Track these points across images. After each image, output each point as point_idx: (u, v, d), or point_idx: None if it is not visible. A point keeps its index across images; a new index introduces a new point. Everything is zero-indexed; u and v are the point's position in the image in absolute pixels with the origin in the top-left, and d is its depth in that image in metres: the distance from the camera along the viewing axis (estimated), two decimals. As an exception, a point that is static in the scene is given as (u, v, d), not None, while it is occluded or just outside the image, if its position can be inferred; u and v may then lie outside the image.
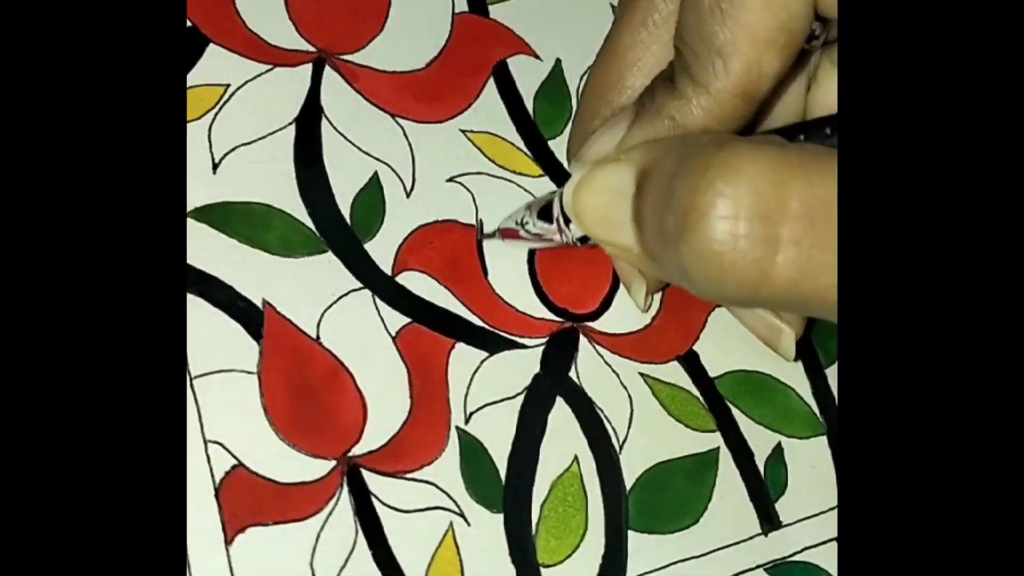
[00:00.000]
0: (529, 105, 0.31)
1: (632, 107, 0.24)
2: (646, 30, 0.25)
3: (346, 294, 0.27)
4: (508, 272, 0.29)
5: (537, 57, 0.32)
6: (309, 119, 0.29)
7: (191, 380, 0.25)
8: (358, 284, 0.27)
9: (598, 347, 0.28)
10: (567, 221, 0.25)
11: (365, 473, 0.25)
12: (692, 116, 0.23)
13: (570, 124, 0.31)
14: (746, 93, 0.22)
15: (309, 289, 0.27)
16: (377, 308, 0.27)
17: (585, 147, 0.25)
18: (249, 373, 0.25)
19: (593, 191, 0.23)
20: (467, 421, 0.27)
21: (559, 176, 0.30)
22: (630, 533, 0.27)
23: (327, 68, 0.30)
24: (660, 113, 0.23)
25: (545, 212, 0.26)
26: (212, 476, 0.24)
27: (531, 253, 0.29)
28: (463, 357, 0.27)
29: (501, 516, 0.26)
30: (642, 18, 0.25)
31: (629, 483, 0.27)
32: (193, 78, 0.28)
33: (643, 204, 0.22)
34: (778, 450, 0.28)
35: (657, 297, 0.29)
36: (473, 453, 0.26)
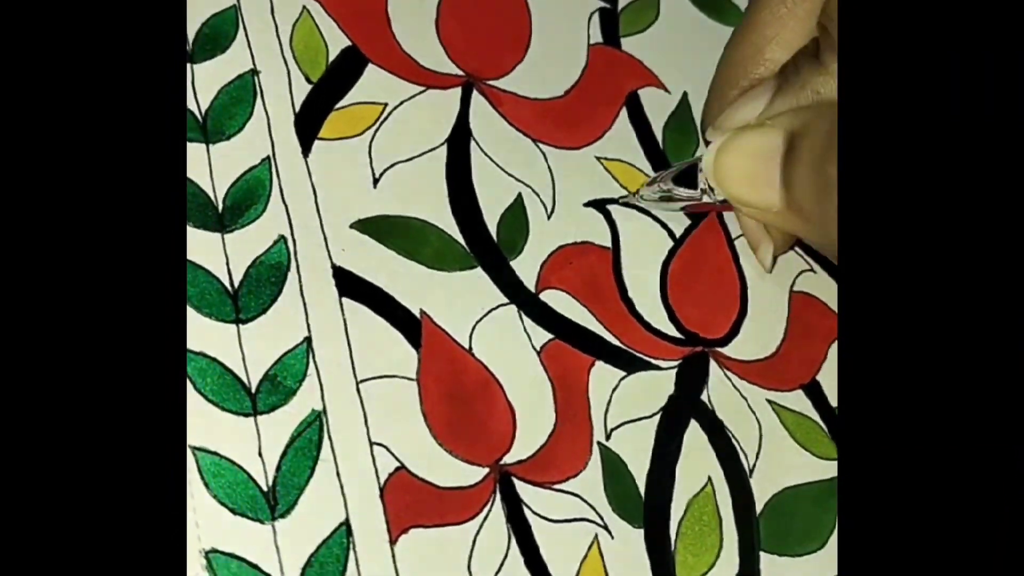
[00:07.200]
0: (659, 135, 0.32)
1: (774, 80, 0.26)
2: (785, 7, 0.27)
3: (494, 308, 0.28)
4: (641, 296, 0.30)
5: (666, 90, 0.33)
6: (459, 140, 0.30)
7: (357, 383, 0.26)
8: (505, 300, 0.28)
9: (727, 372, 0.29)
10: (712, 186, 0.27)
11: (516, 481, 0.26)
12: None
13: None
14: None
15: (461, 302, 0.28)
16: (523, 323, 0.28)
17: (726, 114, 0.27)
18: (409, 379, 0.26)
19: (739, 154, 0.26)
20: (608, 437, 0.27)
21: (687, 205, 0.31)
22: (761, 554, 0.27)
23: (475, 92, 0.31)
24: (805, 87, 0.25)
25: (683, 178, 0.29)
26: (377, 477, 0.25)
27: (663, 276, 0.30)
28: (602, 375, 0.28)
29: (642, 531, 0.27)
30: None
31: (760, 506, 0.28)
32: (354, 96, 0.30)
33: (797, 162, 0.24)
34: (897, 481, 0.29)
35: (781, 328, 0.30)
36: (614, 468, 0.27)
